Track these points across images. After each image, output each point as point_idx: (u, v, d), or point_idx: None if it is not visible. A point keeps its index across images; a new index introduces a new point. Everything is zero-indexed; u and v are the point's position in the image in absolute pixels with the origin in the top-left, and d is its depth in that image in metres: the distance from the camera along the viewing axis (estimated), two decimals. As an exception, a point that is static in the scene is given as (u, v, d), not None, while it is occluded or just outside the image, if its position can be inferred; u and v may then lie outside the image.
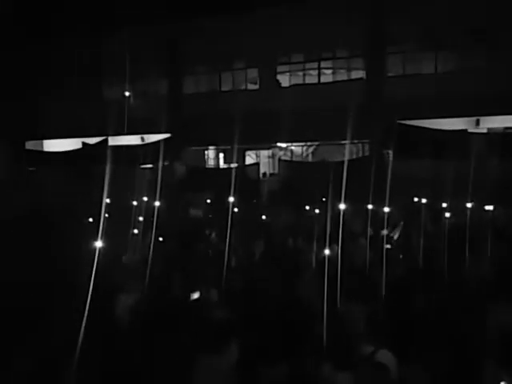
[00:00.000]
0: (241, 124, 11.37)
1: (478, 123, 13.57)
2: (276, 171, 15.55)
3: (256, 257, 6.76)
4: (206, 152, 18.01)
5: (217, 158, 17.87)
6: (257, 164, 15.77)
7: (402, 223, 8.35)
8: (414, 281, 5.30)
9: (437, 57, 13.73)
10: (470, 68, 13.10)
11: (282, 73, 16.02)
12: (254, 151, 17.29)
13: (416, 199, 9.40)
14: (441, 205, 8.51)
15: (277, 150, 16.68)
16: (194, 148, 16.89)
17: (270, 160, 16.81)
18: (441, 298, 4.60)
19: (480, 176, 9.34)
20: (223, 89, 16.30)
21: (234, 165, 14.24)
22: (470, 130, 13.24)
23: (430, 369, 3.19)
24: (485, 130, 13.53)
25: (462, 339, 3.49)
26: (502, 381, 3.06)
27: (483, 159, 10.75)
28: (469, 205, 8.11)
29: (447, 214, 7.85)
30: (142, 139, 16.32)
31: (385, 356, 3.19)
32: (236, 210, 8.41)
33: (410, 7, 12.40)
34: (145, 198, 9.54)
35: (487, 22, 12.09)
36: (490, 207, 9.42)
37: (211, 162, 17.92)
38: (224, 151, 17.37)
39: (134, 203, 9.60)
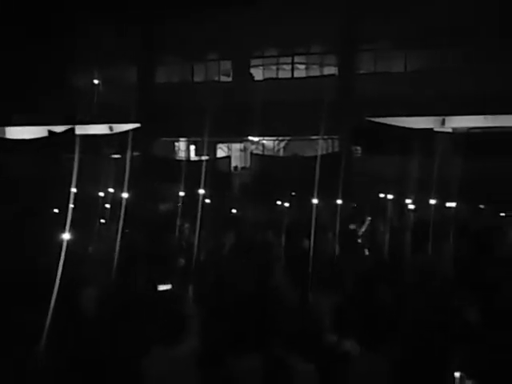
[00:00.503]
0: (213, 116, 11.28)
1: (443, 122, 14.02)
2: (247, 165, 15.55)
3: (226, 249, 6.76)
4: (176, 144, 17.78)
5: (187, 150, 17.67)
6: (228, 157, 15.74)
7: (369, 218, 8.54)
8: (379, 274, 5.45)
9: (406, 56, 14.06)
10: (437, 68, 13.48)
11: (256, 66, 15.98)
12: (226, 144, 17.21)
13: (383, 195, 9.62)
14: (407, 201, 8.75)
15: (249, 143, 16.67)
16: (164, 139, 16.64)
17: (242, 153, 16.78)
18: (404, 290, 4.75)
19: (444, 173, 9.69)
20: (196, 80, 16.11)
21: (205, 157, 14.13)
22: (435, 129, 13.69)
23: (392, 357, 3.29)
24: (450, 130, 13.99)
25: (423, 330, 3.62)
26: (458, 371, 3.21)
27: (447, 157, 11.16)
28: (433, 201, 8.39)
29: (412, 210, 8.09)
30: (111, 129, 15.94)
31: (350, 345, 3.27)
32: (207, 202, 8.37)
33: (382, 5, 12.60)
34: (112, 189, 9.34)
35: (456, 23, 12.42)
36: (452, 204, 9.79)
37: (182, 154, 17.71)
38: (195, 143, 17.20)
39: (102, 194, 9.39)
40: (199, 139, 15.69)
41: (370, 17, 12.53)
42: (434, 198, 8.32)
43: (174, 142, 17.63)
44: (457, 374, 3.24)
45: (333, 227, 7.47)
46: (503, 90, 11.66)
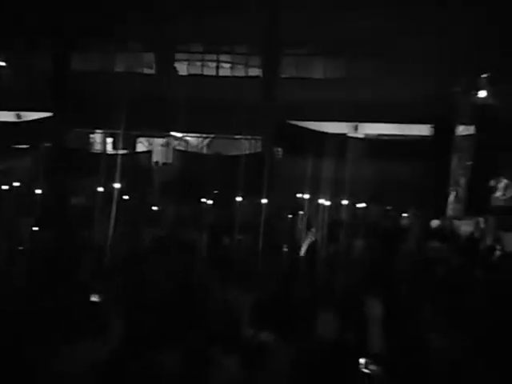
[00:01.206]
0: (133, 108, 10.88)
1: (356, 128, 15.03)
2: (169, 161, 15.25)
3: (146, 247, 6.58)
4: (92, 135, 16.83)
5: (104, 142, 16.81)
6: (149, 152, 15.30)
7: (289, 217, 8.88)
8: (296, 270, 5.72)
9: (326, 63, 14.80)
10: (353, 76, 14.35)
11: (180, 61, 15.71)
12: (147, 138, 16.69)
13: (301, 195, 10.05)
14: (323, 201, 9.23)
15: (171, 139, 16.34)
16: (78, 130, 15.65)
17: (164, 149, 16.40)
18: (318, 287, 5.02)
19: (356, 176, 10.41)
20: (116, 70, 15.37)
21: (123, 151, 13.58)
22: (349, 135, 14.65)
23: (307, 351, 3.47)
24: (362, 135, 15.04)
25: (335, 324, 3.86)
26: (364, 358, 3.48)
27: (359, 161, 12.02)
28: (345, 202, 8.99)
29: (328, 210, 8.56)
30: (18, 116, 14.62)
31: (266, 337, 3.40)
32: (125, 198, 8.07)
33: (304, 12, 13.04)
34: (18, 183, 8.62)
35: (371, 34, 13.31)
36: (363, 204, 10.58)
37: (98, 147, 16.81)
38: (113, 136, 16.42)
39: (5, 187, 8.63)
40: (118, 132, 15.02)
41: (294, 21, 12.90)
42: (346, 199, 8.93)
43: (89, 134, 16.67)
44: (362, 360, 3.52)
45: (255, 225, 7.64)
46: (411, 100, 12.76)
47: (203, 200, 9.39)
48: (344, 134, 14.41)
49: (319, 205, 9.17)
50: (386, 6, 12.80)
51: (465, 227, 9.56)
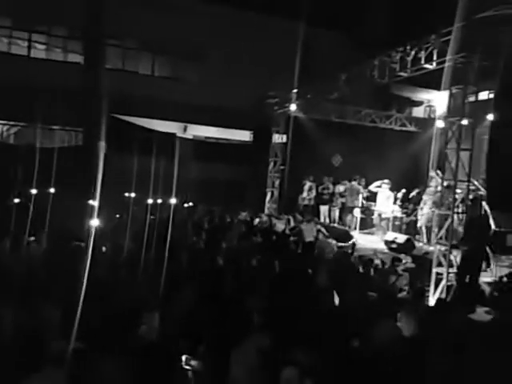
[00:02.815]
0: None
1: (185, 129, 15.26)
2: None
3: None
4: None
5: None
6: None
7: (117, 216, 8.44)
8: (116, 274, 5.43)
9: (154, 60, 14.58)
10: (182, 78, 14.51)
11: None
12: None
13: (128, 193, 9.63)
14: (149, 200, 9.04)
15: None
16: None
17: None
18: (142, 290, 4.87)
19: (183, 176, 10.52)
20: None
21: None
22: (178, 135, 14.75)
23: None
24: (191, 137, 15.33)
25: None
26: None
27: (186, 161, 12.23)
28: (173, 201, 8.98)
29: (153, 209, 8.43)
30: None
31: (79, 347, 3.17)
32: None
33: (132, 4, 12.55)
34: None
35: (203, 39, 13.69)
36: (190, 204, 10.77)
37: None
38: None
39: None
40: None
41: (121, 12, 12.27)
42: (173, 198, 8.93)
43: None
44: (183, 357, 3.57)
45: (71, 227, 6.98)
46: (235, 107, 13.60)
47: (5, 198, 8.10)
48: (173, 134, 14.45)
49: (146, 204, 8.96)
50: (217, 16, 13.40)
51: (279, 224, 10.68)
